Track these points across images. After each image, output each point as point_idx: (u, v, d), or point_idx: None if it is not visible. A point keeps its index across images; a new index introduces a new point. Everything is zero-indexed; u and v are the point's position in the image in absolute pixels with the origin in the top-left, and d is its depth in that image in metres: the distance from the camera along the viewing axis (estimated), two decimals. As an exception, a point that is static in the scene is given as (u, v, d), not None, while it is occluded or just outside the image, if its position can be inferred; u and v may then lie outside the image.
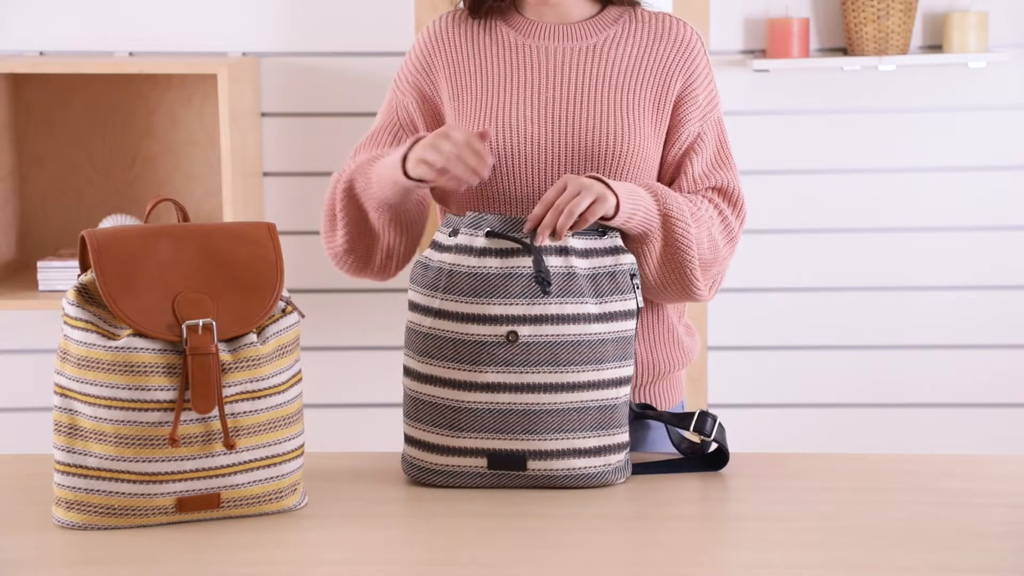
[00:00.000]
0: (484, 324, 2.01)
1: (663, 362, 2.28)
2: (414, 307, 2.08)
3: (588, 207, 2.03)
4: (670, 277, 2.16)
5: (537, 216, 2.04)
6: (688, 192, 2.23)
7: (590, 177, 2.07)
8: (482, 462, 2.04)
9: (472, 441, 2.03)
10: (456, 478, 2.05)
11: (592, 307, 2.03)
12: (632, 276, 2.07)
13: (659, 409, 2.28)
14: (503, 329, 2.00)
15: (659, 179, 2.26)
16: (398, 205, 2.18)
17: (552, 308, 2.01)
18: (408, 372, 2.08)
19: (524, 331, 2.00)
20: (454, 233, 2.07)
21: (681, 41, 2.24)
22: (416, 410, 2.07)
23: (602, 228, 2.07)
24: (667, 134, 2.24)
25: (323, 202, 2.27)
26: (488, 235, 2.04)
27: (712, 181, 2.24)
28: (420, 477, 2.07)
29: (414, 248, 2.28)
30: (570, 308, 2.01)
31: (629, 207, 2.07)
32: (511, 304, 2.01)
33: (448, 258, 2.05)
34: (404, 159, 2.10)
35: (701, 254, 2.16)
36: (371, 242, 2.24)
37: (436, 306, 2.04)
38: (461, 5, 2.28)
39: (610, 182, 2.07)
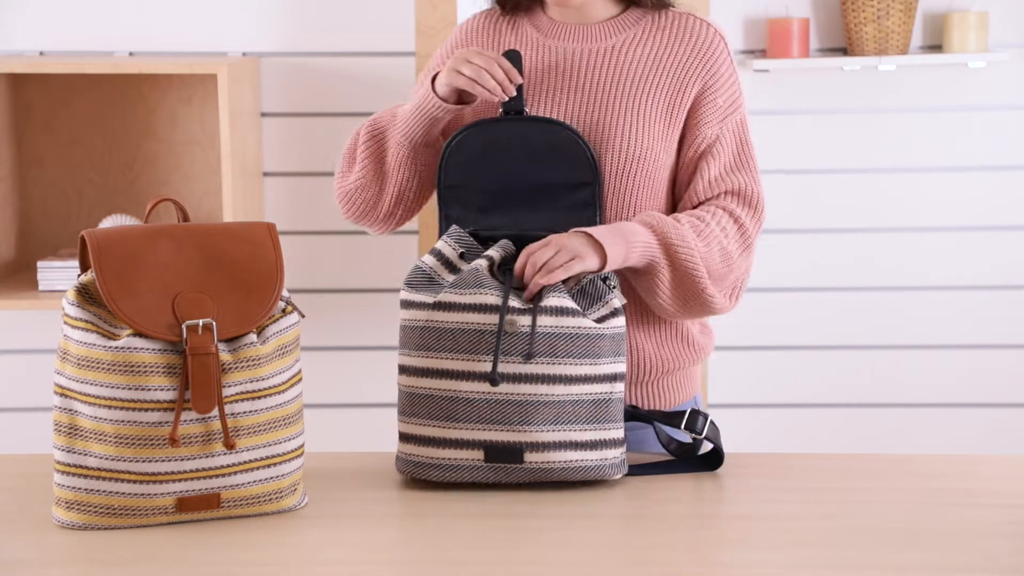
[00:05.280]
0: (482, 313, 2.02)
1: (670, 358, 2.28)
2: (408, 304, 2.07)
3: (565, 263, 2.03)
4: (686, 299, 2.16)
5: (518, 272, 2.06)
6: (704, 195, 2.22)
7: (578, 231, 2.06)
8: (479, 455, 2.04)
9: (469, 432, 2.03)
10: (452, 472, 2.05)
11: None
12: (604, 280, 2.08)
13: (665, 406, 2.29)
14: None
15: (675, 181, 2.26)
16: (419, 140, 2.22)
17: (552, 300, 2.02)
18: (404, 369, 2.08)
19: (522, 321, 2.01)
20: (465, 256, 2.09)
21: (701, 43, 2.23)
22: (412, 405, 2.07)
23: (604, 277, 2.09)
24: (683, 136, 2.24)
25: (341, 148, 2.36)
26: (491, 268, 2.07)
27: (728, 184, 2.22)
28: (416, 472, 2.06)
29: (423, 201, 2.32)
30: (569, 301, 2.02)
31: (620, 251, 2.07)
32: (509, 296, 2.02)
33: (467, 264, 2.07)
34: (433, 80, 2.17)
35: (712, 269, 2.16)
36: (383, 184, 2.28)
37: (432, 300, 2.04)
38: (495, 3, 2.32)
39: (596, 233, 2.06)
